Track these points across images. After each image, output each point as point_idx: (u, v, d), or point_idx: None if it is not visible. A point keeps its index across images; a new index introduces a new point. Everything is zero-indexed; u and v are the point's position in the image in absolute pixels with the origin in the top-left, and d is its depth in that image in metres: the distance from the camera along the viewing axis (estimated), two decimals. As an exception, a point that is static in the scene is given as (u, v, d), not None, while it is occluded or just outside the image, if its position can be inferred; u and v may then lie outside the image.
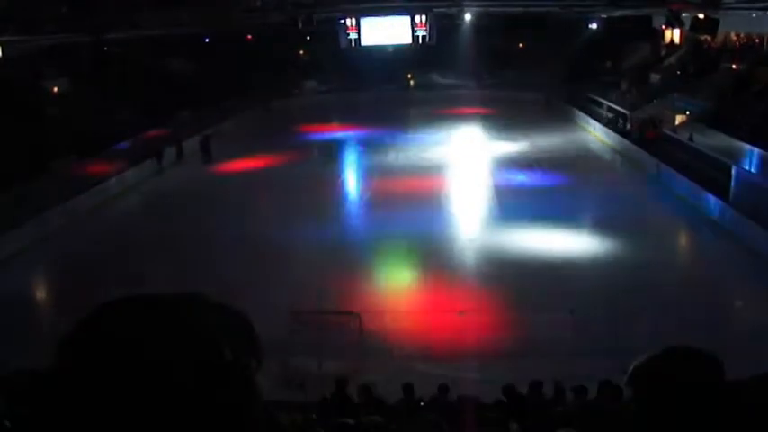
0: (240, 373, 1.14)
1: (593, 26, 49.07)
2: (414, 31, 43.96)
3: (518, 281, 19.16)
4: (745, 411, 1.65)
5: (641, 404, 1.68)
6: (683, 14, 36.78)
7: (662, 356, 1.72)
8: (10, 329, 16.02)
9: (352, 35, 44.31)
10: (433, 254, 22.12)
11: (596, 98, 43.59)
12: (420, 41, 44.35)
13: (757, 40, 38.04)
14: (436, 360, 14.40)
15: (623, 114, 38.52)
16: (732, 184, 24.26)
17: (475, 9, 41.49)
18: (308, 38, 54.15)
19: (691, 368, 1.69)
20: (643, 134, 34.23)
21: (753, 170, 25.62)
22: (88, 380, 1.06)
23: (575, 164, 33.50)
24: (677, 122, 34.58)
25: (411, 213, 25.63)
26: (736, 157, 26.41)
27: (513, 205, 26.66)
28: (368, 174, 34.95)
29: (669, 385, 1.65)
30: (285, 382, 13.24)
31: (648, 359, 1.72)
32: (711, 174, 26.05)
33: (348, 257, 21.89)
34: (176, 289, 1.23)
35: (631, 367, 1.73)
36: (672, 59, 42.75)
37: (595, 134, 40.44)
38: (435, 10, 42.38)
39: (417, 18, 43.40)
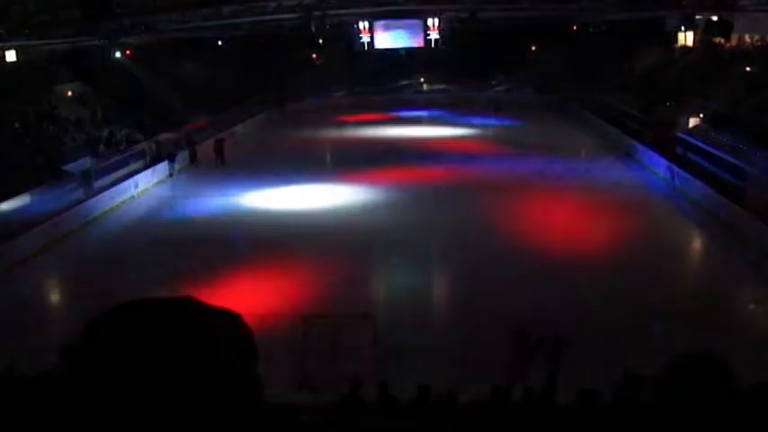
0: (238, 373, 1.17)
1: (606, 29, 49.02)
2: (426, 35, 44.01)
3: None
4: (755, 418, 1.65)
5: (656, 411, 1.69)
6: (697, 17, 36.60)
7: (675, 365, 1.73)
8: (19, 331, 16.18)
9: (365, 38, 44.39)
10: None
11: (610, 102, 43.47)
12: (433, 45, 44.40)
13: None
14: (450, 360, 14.34)
15: (637, 118, 38.39)
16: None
17: (488, 13, 41.39)
18: (321, 41, 54.40)
19: (703, 376, 1.69)
20: (657, 137, 34.11)
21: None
22: (92, 382, 1.09)
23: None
24: (691, 125, 34.40)
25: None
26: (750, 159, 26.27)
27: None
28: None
29: (682, 394, 1.66)
30: (299, 385, 13.33)
31: (662, 368, 1.73)
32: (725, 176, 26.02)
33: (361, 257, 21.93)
34: (183, 292, 1.27)
35: (646, 376, 1.74)
36: (685, 62, 42.59)
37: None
38: (448, 13, 42.36)
39: (430, 21, 43.45)
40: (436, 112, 51.98)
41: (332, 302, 17.40)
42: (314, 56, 58.96)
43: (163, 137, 37.25)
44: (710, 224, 24.89)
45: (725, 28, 37.69)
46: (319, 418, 10.27)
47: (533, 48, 56.94)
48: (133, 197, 30.68)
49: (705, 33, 40.80)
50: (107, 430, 1.08)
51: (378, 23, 43.93)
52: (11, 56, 34.04)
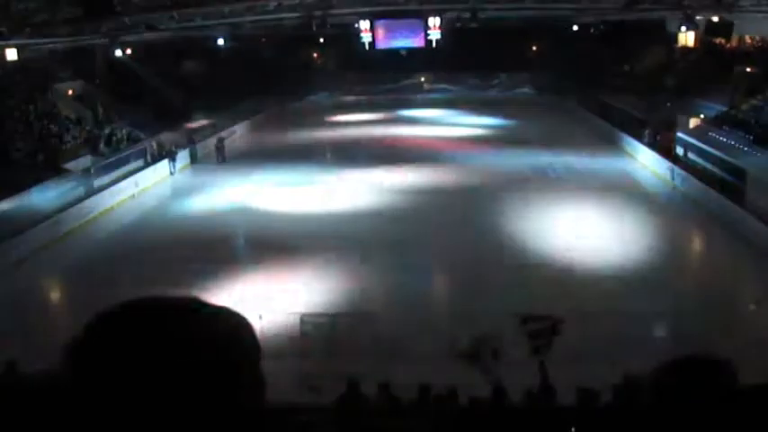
0: (241, 373, 1.17)
1: (607, 29, 48.98)
2: (427, 34, 43.96)
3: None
4: (755, 418, 1.65)
5: (657, 411, 1.69)
6: (698, 17, 36.58)
7: (675, 365, 1.73)
8: (19, 331, 16.19)
9: (366, 38, 44.32)
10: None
11: (610, 101, 43.43)
12: (434, 44, 44.32)
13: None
14: (450, 360, 14.32)
15: (637, 117, 38.34)
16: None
17: (489, 12, 41.34)
18: (322, 41, 54.42)
19: (703, 376, 1.69)
20: (657, 137, 34.11)
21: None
22: (94, 381, 1.09)
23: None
24: (691, 125, 34.38)
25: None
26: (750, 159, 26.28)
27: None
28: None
29: (682, 394, 1.66)
30: (299, 384, 13.32)
31: (662, 367, 1.72)
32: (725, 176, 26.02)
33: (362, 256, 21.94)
34: (183, 291, 1.27)
35: (646, 375, 1.74)
36: (685, 62, 42.57)
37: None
38: (449, 13, 42.31)
39: (431, 21, 43.38)
40: (437, 112, 52.04)
41: (332, 302, 17.43)
42: (315, 55, 58.96)
43: (163, 135, 37.24)
44: (710, 224, 24.89)
45: (726, 29, 37.66)
46: (319, 418, 10.27)
47: (534, 47, 56.92)
48: (134, 196, 30.69)
49: (706, 34, 40.76)
50: (109, 429, 1.08)
51: (379, 23, 43.86)
52: (12, 54, 33.98)
